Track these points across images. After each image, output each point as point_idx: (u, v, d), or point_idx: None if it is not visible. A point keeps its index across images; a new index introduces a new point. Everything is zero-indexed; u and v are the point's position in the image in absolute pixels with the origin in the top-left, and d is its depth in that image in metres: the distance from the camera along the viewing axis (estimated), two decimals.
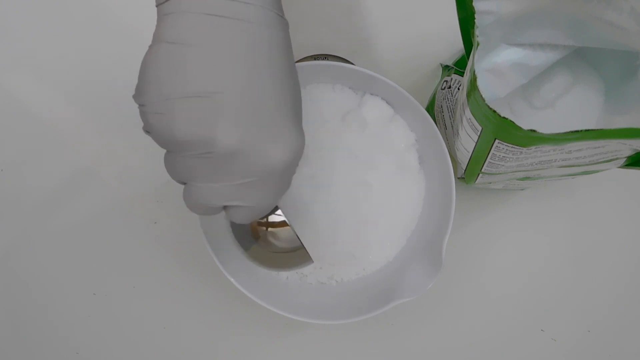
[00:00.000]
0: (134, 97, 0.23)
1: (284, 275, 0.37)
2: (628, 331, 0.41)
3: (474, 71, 0.27)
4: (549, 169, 0.32)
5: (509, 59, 0.30)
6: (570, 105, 0.32)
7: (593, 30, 0.28)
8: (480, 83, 0.27)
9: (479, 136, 0.30)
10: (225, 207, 0.25)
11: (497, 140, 0.28)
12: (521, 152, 0.28)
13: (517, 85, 0.30)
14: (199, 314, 0.41)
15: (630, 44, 0.27)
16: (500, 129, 0.27)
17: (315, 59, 0.41)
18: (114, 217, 0.42)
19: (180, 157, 0.23)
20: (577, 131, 0.24)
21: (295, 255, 0.31)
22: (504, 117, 0.26)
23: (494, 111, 0.26)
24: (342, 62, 0.40)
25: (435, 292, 0.35)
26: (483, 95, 0.26)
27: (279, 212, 0.29)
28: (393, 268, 0.37)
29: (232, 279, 0.34)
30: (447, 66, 0.41)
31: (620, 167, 0.30)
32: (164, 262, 0.41)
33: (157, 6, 0.24)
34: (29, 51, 0.44)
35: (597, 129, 0.24)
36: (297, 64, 0.35)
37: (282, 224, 0.29)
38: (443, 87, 0.38)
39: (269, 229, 0.30)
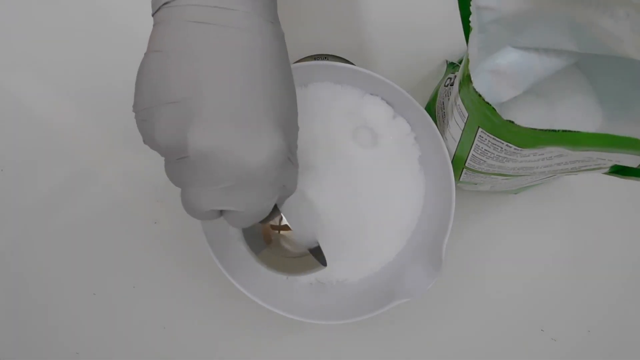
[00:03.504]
0: (132, 106, 0.25)
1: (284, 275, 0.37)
2: (628, 331, 0.41)
3: (468, 55, 0.27)
4: (531, 176, 0.32)
5: (513, 62, 0.30)
6: (570, 115, 0.32)
7: (592, 37, 0.28)
8: (481, 82, 0.28)
9: (465, 123, 0.30)
10: (223, 212, 0.26)
11: (480, 130, 0.29)
12: (502, 148, 0.28)
13: (520, 91, 0.30)
14: (199, 314, 0.41)
15: (626, 52, 0.27)
16: (483, 116, 0.27)
17: (315, 59, 0.41)
18: (114, 217, 0.42)
19: (168, 163, 0.24)
20: (553, 130, 0.25)
21: (306, 260, 0.30)
22: (486, 102, 0.26)
23: (479, 95, 0.26)
24: (342, 62, 0.40)
25: (435, 292, 0.35)
26: (474, 84, 0.27)
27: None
28: (393, 268, 0.37)
29: (232, 279, 0.34)
30: (452, 63, 0.41)
31: (604, 173, 0.30)
32: (164, 262, 0.41)
33: (152, 15, 0.24)
34: (30, 52, 0.44)
35: (573, 132, 0.24)
36: (297, 64, 0.35)
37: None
38: (446, 84, 0.38)
39: (281, 232, 0.30)
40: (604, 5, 0.26)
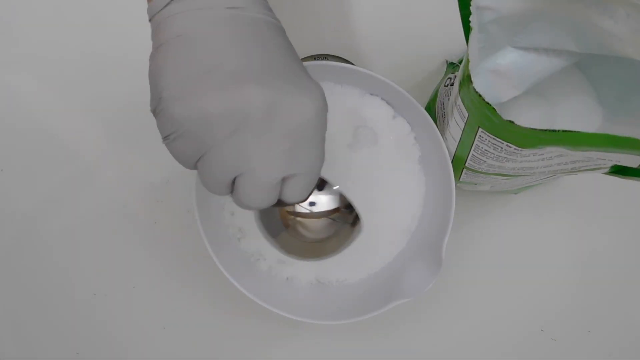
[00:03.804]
0: (152, 106, 0.23)
1: (284, 275, 0.37)
2: (628, 331, 0.41)
3: (468, 55, 0.27)
4: (531, 176, 0.32)
5: (513, 62, 0.30)
6: (570, 115, 0.32)
7: (592, 37, 0.28)
8: (481, 82, 0.28)
9: (465, 123, 0.30)
10: (281, 190, 0.25)
11: (480, 130, 0.29)
12: (502, 148, 0.28)
13: (520, 91, 0.30)
14: (199, 314, 0.41)
15: (626, 53, 0.27)
16: (483, 116, 0.28)
17: (315, 59, 0.41)
18: (114, 217, 0.42)
19: (223, 144, 0.22)
20: (553, 130, 0.25)
21: (321, 245, 0.32)
22: (487, 102, 0.26)
23: (479, 95, 0.26)
24: (342, 62, 0.40)
25: (435, 292, 0.34)
26: (474, 84, 0.27)
27: (307, 203, 0.30)
28: (393, 268, 0.37)
29: (232, 279, 0.34)
30: (452, 63, 0.41)
31: (604, 173, 0.30)
32: (164, 262, 0.41)
33: (151, 20, 0.24)
34: (30, 51, 0.44)
35: (573, 132, 0.24)
36: None
37: (311, 215, 0.31)
38: (446, 84, 0.38)
39: (298, 218, 0.31)
40: (604, 5, 0.26)
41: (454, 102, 0.32)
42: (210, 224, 0.35)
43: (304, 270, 0.37)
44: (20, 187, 0.42)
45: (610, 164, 0.28)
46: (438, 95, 0.39)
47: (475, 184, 0.37)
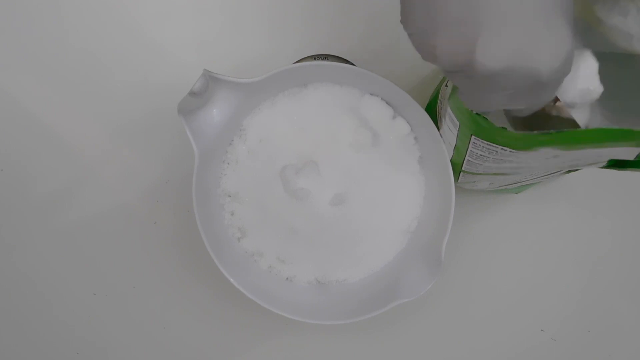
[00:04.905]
0: (402, 22, 0.25)
1: (284, 275, 0.37)
2: (628, 331, 0.41)
3: None
4: (530, 174, 0.32)
5: None
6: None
7: (599, 34, 0.28)
8: None
9: (458, 131, 0.30)
10: None
11: (473, 137, 0.29)
12: (497, 151, 0.28)
13: None
14: (199, 314, 0.41)
15: (635, 48, 0.27)
16: (475, 124, 0.27)
17: (315, 59, 0.41)
18: (114, 217, 0.42)
19: (448, 73, 0.24)
20: (547, 133, 0.25)
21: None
22: (476, 113, 0.26)
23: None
24: (342, 62, 0.40)
25: (435, 292, 0.35)
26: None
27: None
28: (393, 269, 0.37)
29: (231, 279, 0.34)
30: None
31: (600, 167, 0.30)
32: (164, 262, 0.41)
33: None
34: (29, 51, 0.44)
35: (567, 131, 0.24)
36: (297, 64, 0.35)
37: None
38: (447, 84, 0.38)
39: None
40: (612, 1, 0.26)
41: (445, 110, 0.31)
42: (210, 224, 0.35)
43: (304, 270, 0.37)
44: (20, 186, 0.42)
45: (607, 158, 0.28)
46: (439, 95, 0.39)
47: (474, 181, 0.37)
